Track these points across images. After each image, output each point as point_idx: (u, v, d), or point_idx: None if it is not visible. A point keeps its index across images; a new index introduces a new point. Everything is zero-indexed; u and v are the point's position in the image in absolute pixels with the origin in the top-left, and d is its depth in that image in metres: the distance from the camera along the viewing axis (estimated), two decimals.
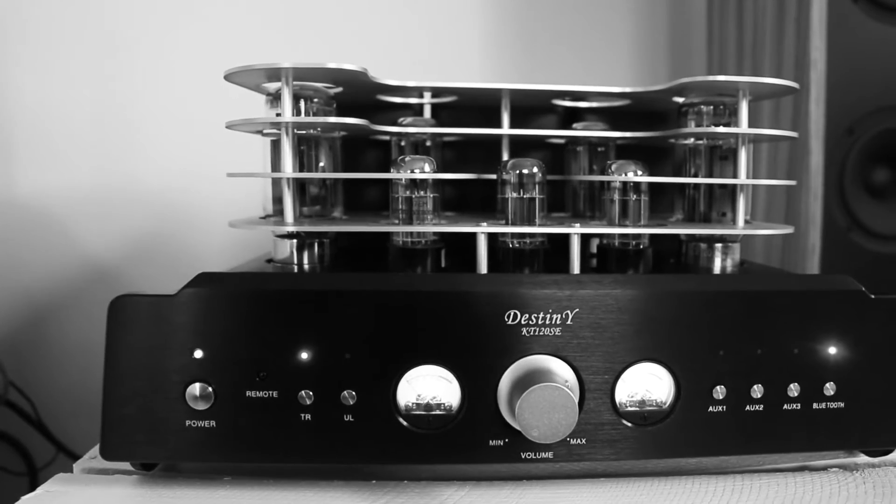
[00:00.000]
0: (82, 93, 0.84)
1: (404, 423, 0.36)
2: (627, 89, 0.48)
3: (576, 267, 0.41)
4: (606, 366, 0.37)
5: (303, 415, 0.36)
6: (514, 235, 0.43)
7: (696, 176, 0.47)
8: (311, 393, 0.36)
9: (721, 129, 0.44)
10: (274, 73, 0.42)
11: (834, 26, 0.73)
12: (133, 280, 0.85)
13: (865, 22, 0.73)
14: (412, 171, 0.42)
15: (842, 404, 0.37)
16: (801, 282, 0.37)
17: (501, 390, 0.36)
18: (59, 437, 0.83)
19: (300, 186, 0.47)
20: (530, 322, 0.36)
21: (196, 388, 0.35)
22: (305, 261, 0.46)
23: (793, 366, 0.37)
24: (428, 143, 0.53)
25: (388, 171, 0.54)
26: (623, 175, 0.42)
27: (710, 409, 0.37)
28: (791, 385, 0.37)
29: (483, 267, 0.40)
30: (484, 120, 0.51)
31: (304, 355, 0.36)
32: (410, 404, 0.37)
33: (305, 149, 0.46)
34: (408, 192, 0.42)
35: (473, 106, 0.55)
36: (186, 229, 0.87)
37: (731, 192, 0.46)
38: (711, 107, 0.47)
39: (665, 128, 0.58)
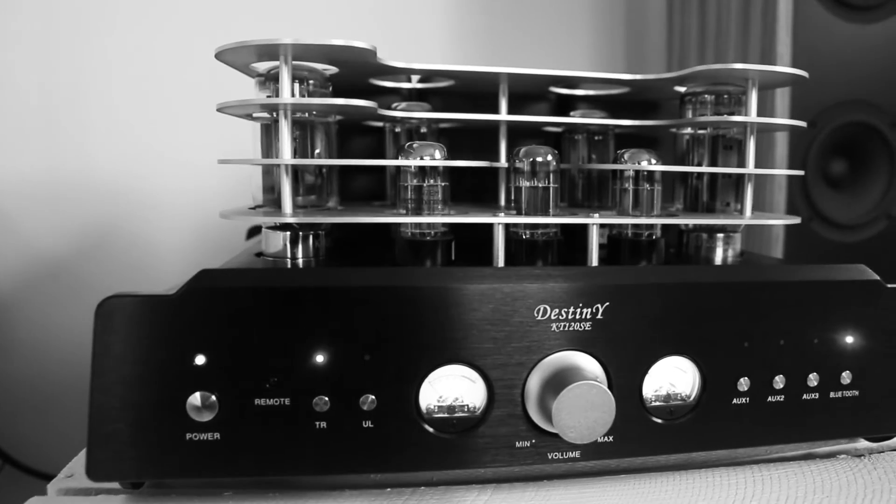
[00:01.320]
0: (29, 77, 0.77)
1: (428, 427, 0.34)
2: (629, 76, 0.47)
3: (594, 258, 0.39)
4: (635, 360, 0.35)
5: (317, 423, 0.33)
6: (527, 226, 0.41)
7: (699, 165, 0.47)
8: (326, 399, 0.33)
9: (736, 118, 0.44)
10: (270, 51, 0.38)
11: (798, 22, 0.75)
12: (84, 275, 0.79)
13: (828, 18, 0.75)
14: (422, 158, 0.39)
15: (856, 392, 0.38)
16: (822, 272, 0.37)
17: (530, 389, 0.34)
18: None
19: (294, 174, 0.43)
20: (560, 317, 0.34)
21: (198, 397, 0.32)
22: (300, 254, 0.43)
23: (813, 355, 0.37)
24: (423, 130, 0.50)
25: (383, 157, 0.52)
26: (637, 164, 0.41)
27: (735, 401, 0.37)
28: (811, 375, 0.37)
29: (500, 260, 0.38)
30: (474, 107, 0.49)
31: (320, 358, 0.33)
32: (433, 407, 0.35)
33: (300, 134, 0.43)
34: (416, 181, 0.39)
35: (464, 93, 0.53)
36: (142, 222, 0.80)
37: (735, 181, 0.46)
38: (713, 96, 0.46)
39: (657, 117, 0.57)
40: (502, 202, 0.50)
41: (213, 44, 0.39)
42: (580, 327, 0.35)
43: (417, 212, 0.40)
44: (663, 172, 0.43)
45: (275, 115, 0.43)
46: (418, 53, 0.91)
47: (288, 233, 0.42)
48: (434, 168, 0.39)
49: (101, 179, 0.79)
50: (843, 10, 0.75)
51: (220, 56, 0.40)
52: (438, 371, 0.34)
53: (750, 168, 0.43)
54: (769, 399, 0.37)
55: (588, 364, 0.35)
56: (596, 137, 0.51)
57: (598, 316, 0.35)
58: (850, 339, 0.37)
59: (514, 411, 0.35)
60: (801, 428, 0.38)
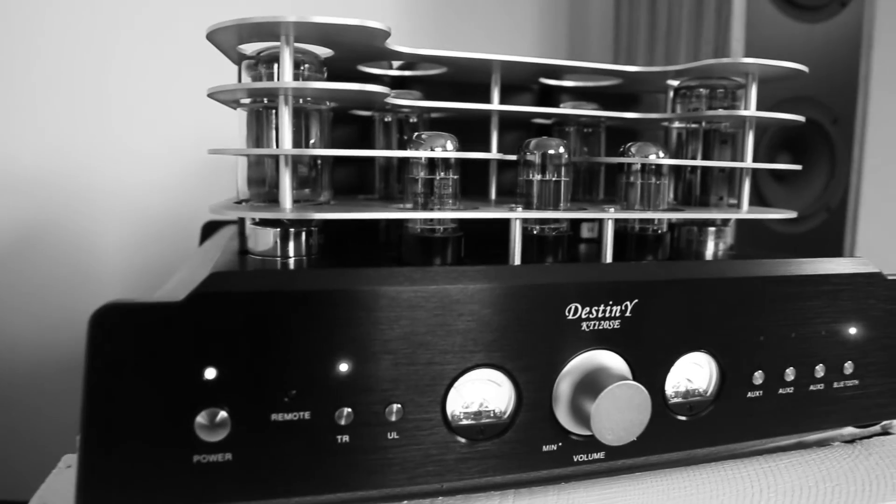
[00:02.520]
0: None
1: (455, 435, 0.32)
2: (624, 68, 0.46)
3: (609, 254, 0.38)
4: (659, 358, 0.35)
5: (339, 437, 0.30)
6: (537, 221, 0.39)
7: (694, 158, 0.47)
8: (349, 411, 0.30)
9: (742, 112, 0.44)
10: (268, 31, 0.35)
11: (751, 20, 0.77)
12: (10, 276, 0.70)
13: (778, 17, 0.79)
14: (433, 149, 0.37)
15: (857, 381, 0.39)
16: (830, 265, 0.38)
17: (560, 391, 0.33)
18: None
19: (278, 166, 0.40)
20: (591, 315, 0.33)
21: (208, 415, 0.28)
22: (291, 252, 0.39)
23: (820, 347, 0.38)
24: (413, 120, 0.47)
25: (370, 146, 0.49)
26: (645, 157, 0.41)
27: (750, 394, 0.37)
28: (818, 366, 0.38)
29: (517, 257, 0.37)
30: (460, 96, 0.47)
31: (343, 367, 0.30)
32: (458, 413, 0.33)
33: (293, 122, 0.39)
34: (427, 173, 0.37)
35: (449, 81, 0.51)
36: (77, 216, 0.73)
37: (728, 175, 0.47)
38: (708, 90, 0.46)
39: (637, 109, 0.57)
40: (493, 195, 0.49)
41: (149, 26, 0.35)
42: (609, 325, 0.34)
43: (428, 206, 0.37)
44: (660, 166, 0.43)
45: (265, 101, 0.39)
46: None
47: (278, 229, 0.39)
48: (445, 160, 0.37)
49: (30, 171, 0.71)
50: (792, 9, 0.79)
51: (212, 36, 0.36)
52: (465, 376, 0.32)
53: (748, 162, 0.43)
54: (780, 391, 0.38)
55: (616, 363, 0.34)
56: (586, 130, 0.51)
57: (627, 314, 0.34)
58: (852, 330, 0.38)
59: (542, 415, 0.33)
60: (809, 418, 0.39)
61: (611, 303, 0.33)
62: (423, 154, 0.36)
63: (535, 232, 0.39)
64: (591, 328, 0.33)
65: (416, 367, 0.31)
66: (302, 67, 0.39)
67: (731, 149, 0.46)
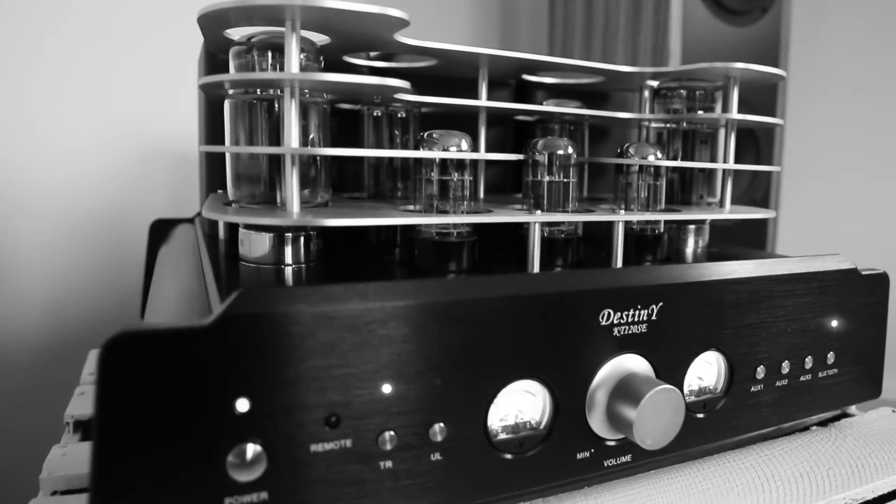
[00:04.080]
0: None
1: (496, 450, 0.31)
2: (609, 67, 0.46)
3: (619, 257, 0.38)
4: (679, 358, 0.35)
5: (382, 463, 0.28)
6: (546, 224, 0.39)
7: (675, 158, 0.48)
8: (393, 434, 0.28)
9: (732, 115, 0.45)
10: (270, 15, 0.31)
11: (687, 22, 0.81)
12: None
13: (710, 20, 0.82)
14: (446, 149, 0.35)
15: (836, 370, 0.42)
16: (818, 263, 0.40)
17: (594, 398, 0.33)
18: None
19: (274, 164, 0.36)
20: (621, 320, 0.33)
21: (241, 451, 0.25)
22: (290, 258, 0.36)
23: (810, 340, 0.40)
24: (401, 115, 0.45)
25: (360, 142, 0.46)
26: (643, 158, 0.41)
27: (753, 388, 0.38)
28: (807, 358, 0.40)
29: (536, 261, 0.36)
30: (442, 91, 0.45)
31: (386, 388, 0.28)
32: (496, 428, 0.31)
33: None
34: (441, 174, 0.35)
35: (433, 75, 0.49)
36: None
37: (708, 175, 0.48)
38: (687, 91, 0.47)
39: (607, 107, 0.58)
40: (481, 194, 0.47)
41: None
42: (637, 330, 0.34)
43: (443, 208, 0.35)
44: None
45: (258, 91, 0.36)
46: None
47: (272, 234, 0.35)
48: (461, 161, 0.35)
49: None
50: (722, 12, 0.83)
51: (203, 19, 0.32)
52: (506, 388, 0.31)
53: (731, 163, 0.45)
54: (777, 384, 0.39)
55: (644, 367, 0.34)
56: (570, 127, 0.50)
57: (653, 317, 0.34)
58: (834, 323, 0.41)
59: (577, 422, 0.33)
60: (800, 406, 0.41)
61: (639, 307, 0.33)
62: (451, 155, 0.35)
63: (545, 234, 0.39)
64: (622, 333, 0.33)
65: (459, 382, 0.29)
66: (301, 56, 0.36)
67: (709, 149, 0.48)
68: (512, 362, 0.30)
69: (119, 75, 0.71)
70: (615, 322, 0.33)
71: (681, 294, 0.34)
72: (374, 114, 0.44)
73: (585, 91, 0.55)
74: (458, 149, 0.35)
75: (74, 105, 0.69)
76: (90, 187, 0.69)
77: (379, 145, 0.45)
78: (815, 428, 0.45)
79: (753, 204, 0.88)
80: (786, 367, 0.39)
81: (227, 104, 0.37)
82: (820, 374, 0.41)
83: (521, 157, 0.38)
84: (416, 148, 0.36)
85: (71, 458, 0.40)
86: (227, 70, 0.44)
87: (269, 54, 0.35)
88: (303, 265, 0.36)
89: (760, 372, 0.38)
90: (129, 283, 0.73)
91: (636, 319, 0.33)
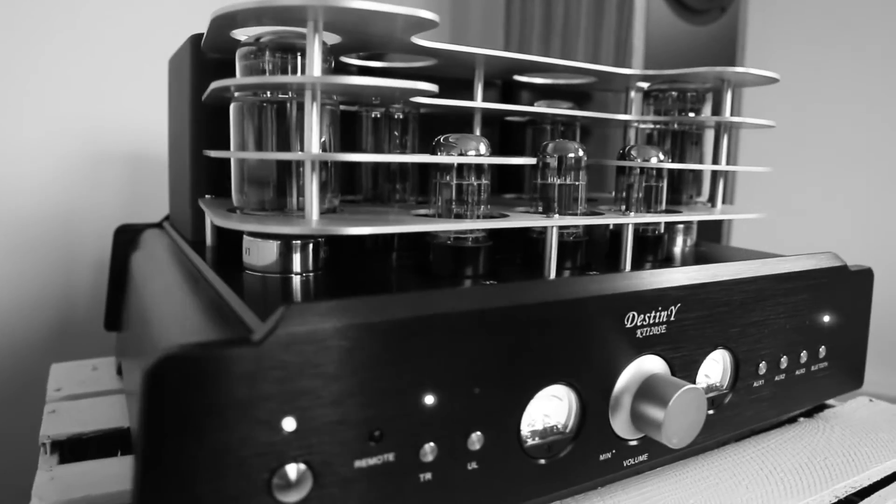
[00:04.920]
0: None
1: (528, 456, 0.31)
2: (602, 68, 0.47)
3: (629, 259, 0.39)
4: (692, 358, 0.36)
5: (422, 475, 0.28)
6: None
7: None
8: (434, 445, 0.28)
9: (726, 118, 0.47)
10: (292, 16, 0.30)
11: (650, 19, 0.82)
12: None
13: (672, 18, 0.84)
14: (463, 153, 0.34)
15: (827, 363, 0.44)
16: (813, 261, 0.41)
17: (617, 399, 0.33)
18: None
19: (286, 168, 0.35)
20: (644, 322, 0.33)
21: (288, 471, 0.24)
22: (298, 267, 0.35)
23: (805, 335, 0.42)
24: (398, 116, 0.44)
25: (358, 144, 0.44)
26: (646, 160, 0.41)
27: (755, 384, 0.40)
28: (802, 352, 0.42)
29: (553, 265, 0.36)
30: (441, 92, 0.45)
31: (429, 399, 0.27)
32: (526, 433, 0.31)
33: (300, 118, 0.34)
34: (459, 179, 0.35)
35: (427, 76, 0.48)
36: None
37: (696, 175, 0.50)
38: (678, 93, 0.48)
39: (591, 106, 0.59)
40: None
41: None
42: (657, 331, 0.34)
43: (460, 212, 0.35)
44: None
45: (267, 94, 0.34)
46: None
47: (278, 242, 0.34)
48: (479, 164, 0.35)
49: None
50: (683, 11, 0.85)
51: (218, 20, 0.30)
52: (539, 393, 0.31)
53: (723, 165, 0.46)
54: (776, 378, 0.41)
55: (662, 367, 0.35)
56: (561, 128, 0.51)
57: (672, 318, 0.34)
58: (826, 318, 0.43)
59: (601, 424, 0.33)
60: (795, 399, 0.42)
61: (660, 308, 0.34)
62: (468, 160, 0.34)
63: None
64: (644, 335, 0.34)
65: (496, 390, 0.29)
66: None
67: (699, 150, 0.49)
68: (544, 367, 0.30)
69: (64, 77, 0.67)
70: (638, 324, 0.33)
71: (697, 294, 0.35)
72: (373, 115, 0.43)
73: (568, 91, 0.56)
74: (476, 153, 0.35)
75: (17, 103, 0.64)
76: (34, 189, 0.65)
77: (378, 147, 0.44)
78: (802, 419, 0.47)
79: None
80: (784, 362, 0.41)
81: (232, 107, 0.35)
82: (812, 368, 0.43)
83: (533, 160, 0.38)
84: (433, 152, 0.35)
85: (61, 481, 0.37)
86: (218, 70, 0.42)
87: (279, 55, 0.34)
88: (311, 273, 0.35)
89: (762, 368, 0.40)
90: (80, 291, 0.69)
91: (657, 321, 0.34)
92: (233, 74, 0.43)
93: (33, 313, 0.68)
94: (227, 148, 0.42)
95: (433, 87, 0.32)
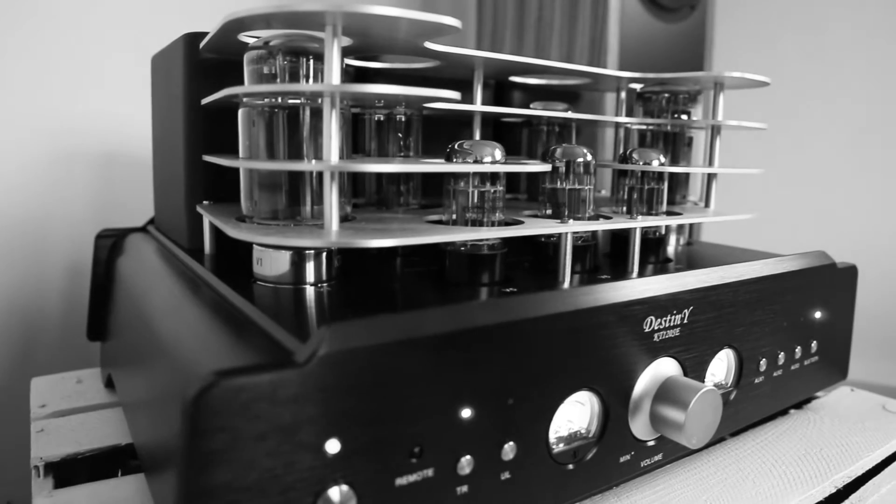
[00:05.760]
0: None
1: (556, 462, 0.31)
2: (599, 70, 0.47)
3: (636, 263, 0.40)
4: (702, 358, 0.37)
5: (458, 488, 0.27)
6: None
7: None
8: (470, 458, 0.27)
9: (730, 122, 0.47)
10: (300, 20, 0.29)
11: (624, 16, 0.83)
12: None
13: (644, 16, 0.86)
14: (479, 160, 0.34)
15: (817, 357, 0.45)
16: (806, 260, 0.43)
17: (637, 402, 0.34)
18: None
19: (299, 175, 0.34)
20: (661, 325, 0.34)
21: (331, 495, 0.24)
22: (312, 277, 0.34)
23: (799, 331, 0.43)
24: (400, 118, 0.43)
25: (362, 147, 0.43)
26: (648, 163, 0.42)
27: (756, 380, 0.41)
28: (797, 348, 0.43)
29: (567, 270, 0.36)
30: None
31: (466, 412, 0.27)
32: (553, 440, 0.31)
33: (313, 123, 0.33)
34: (478, 186, 0.34)
35: (420, 77, 0.48)
36: None
37: (687, 176, 0.51)
38: (670, 94, 0.49)
39: (579, 106, 0.59)
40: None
41: None
42: (672, 334, 0.35)
43: (476, 219, 0.35)
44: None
45: (278, 99, 0.33)
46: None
47: (289, 252, 0.33)
48: (495, 171, 0.35)
49: None
50: (655, 9, 0.86)
51: (233, 24, 0.29)
52: (567, 400, 0.31)
53: (715, 167, 0.47)
54: (774, 374, 0.42)
55: (677, 368, 0.35)
56: (557, 129, 0.51)
57: (685, 321, 0.35)
58: (817, 314, 0.44)
59: (621, 427, 0.33)
60: (790, 392, 0.44)
61: (675, 311, 0.35)
62: (486, 168, 0.34)
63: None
64: (661, 338, 0.34)
65: (529, 399, 0.29)
66: (319, 60, 0.33)
67: (691, 151, 0.50)
68: (571, 374, 0.31)
69: (39, 69, 0.63)
70: (656, 328, 0.34)
71: (708, 296, 0.36)
72: (377, 118, 0.43)
73: (560, 90, 0.56)
74: (492, 159, 0.34)
75: None
76: (1, 191, 0.61)
77: (382, 149, 0.43)
78: (793, 411, 0.48)
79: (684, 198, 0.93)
80: (781, 358, 0.42)
81: (241, 112, 0.34)
82: (805, 363, 0.45)
83: (549, 167, 0.38)
84: (448, 158, 0.35)
85: None
86: (215, 71, 0.41)
87: (290, 59, 0.33)
88: (325, 284, 0.34)
89: (763, 365, 0.41)
90: (53, 298, 0.66)
91: (672, 324, 0.35)
92: (231, 75, 0.41)
93: (3, 323, 0.64)
94: (226, 151, 0.41)
95: (455, 95, 0.31)
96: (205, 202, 0.42)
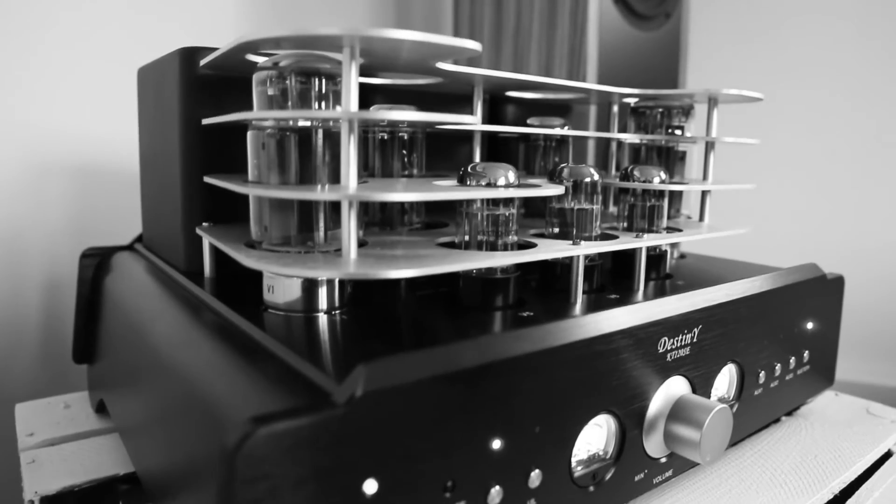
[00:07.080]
0: None
1: (579, 487, 0.31)
2: (594, 87, 0.48)
3: (641, 281, 0.40)
4: (709, 374, 0.38)
5: None
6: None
7: None
8: (500, 488, 0.27)
9: (725, 138, 0.48)
10: (327, 43, 0.28)
11: (602, 25, 0.84)
12: None
13: (622, 24, 0.87)
14: (493, 183, 0.34)
15: (808, 367, 0.47)
16: (801, 273, 0.44)
17: (651, 422, 0.34)
18: None
19: (314, 202, 0.33)
20: (673, 345, 0.34)
21: None
22: (324, 305, 0.34)
23: (793, 342, 0.44)
24: (403, 136, 0.43)
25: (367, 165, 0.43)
26: (648, 179, 0.43)
27: (756, 392, 0.42)
28: (791, 358, 0.45)
29: (580, 291, 0.36)
30: (422, 108, 0.44)
31: (497, 443, 0.27)
32: (574, 463, 0.32)
33: (329, 144, 0.33)
34: (491, 209, 0.34)
35: (418, 92, 0.47)
36: None
37: (681, 191, 0.51)
38: (663, 109, 0.50)
39: (568, 118, 0.60)
40: None
41: None
42: (684, 353, 0.35)
43: (489, 242, 0.35)
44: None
45: (290, 122, 0.32)
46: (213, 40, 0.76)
47: (301, 279, 0.33)
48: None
49: None
50: (633, 17, 0.88)
51: (246, 46, 0.28)
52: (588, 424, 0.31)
53: (710, 183, 0.48)
54: (771, 385, 0.43)
55: (686, 386, 0.36)
56: (553, 144, 0.51)
57: (694, 339, 0.36)
58: (809, 325, 0.46)
59: (636, 447, 0.34)
60: (784, 401, 0.45)
61: (685, 331, 0.35)
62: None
63: (566, 262, 0.39)
64: (672, 358, 0.35)
65: (553, 427, 0.29)
66: (331, 81, 0.33)
67: (684, 165, 0.51)
68: (592, 398, 0.31)
69: (13, 77, 0.61)
70: (669, 348, 0.34)
71: (715, 314, 0.37)
72: (381, 136, 0.42)
73: (554, 104, 0.57)
74: (506, 181, 0.34)
75: None
76: None
77: (386, 168, 0.43)
78: (784, 418, 0.50)
79: None
80: (777, 369, 0.43)
81: (250, 135, 0.33)
82: (798, 372, 0.46)
83: (562, 189, 0.38)
84: (461, 181, 0.34)
85: None
86: (213, 88, 0.40)
87: (301, 80, 0.32)
88: (338, 311, 0.34)
89: (762, 377, 0.42)
90: (29, 317, 0.63)
91: (683, 343, 0.35)
92: (230, 92, 0.40)
93: None
94: (225, 170, 0.40)
95: (474, 119, 0.31)
96: (204, 224, 0.41)
